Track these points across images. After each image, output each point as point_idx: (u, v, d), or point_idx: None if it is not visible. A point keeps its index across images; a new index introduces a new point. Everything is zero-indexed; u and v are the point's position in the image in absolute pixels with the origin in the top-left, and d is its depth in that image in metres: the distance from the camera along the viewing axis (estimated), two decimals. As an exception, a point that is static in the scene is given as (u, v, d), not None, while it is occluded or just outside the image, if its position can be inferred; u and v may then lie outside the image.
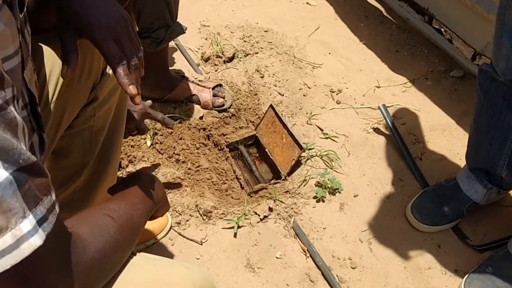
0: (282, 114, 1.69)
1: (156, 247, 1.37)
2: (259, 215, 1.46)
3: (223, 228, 1.44)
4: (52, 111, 0.90)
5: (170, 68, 1.80)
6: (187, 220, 1.44)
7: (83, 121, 0.99)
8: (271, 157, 1.62)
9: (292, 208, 1.49)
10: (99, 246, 0.64)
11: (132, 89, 0.78)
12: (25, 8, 0.69)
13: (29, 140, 0.71)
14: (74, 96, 0.92)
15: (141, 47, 0.87)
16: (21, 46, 0.63)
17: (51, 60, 0.86)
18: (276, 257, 1.38)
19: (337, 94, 1.86)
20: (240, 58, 1.97)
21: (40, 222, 0.50)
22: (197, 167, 1.60)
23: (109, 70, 0.96)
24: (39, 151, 0.78)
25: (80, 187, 1.09)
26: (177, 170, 1.58)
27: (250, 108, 1.79)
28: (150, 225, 1.37)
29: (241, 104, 1.79)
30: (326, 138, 1.70)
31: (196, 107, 1.76)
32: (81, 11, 0.76)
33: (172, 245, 1.39)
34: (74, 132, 1.00)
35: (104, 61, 0.92)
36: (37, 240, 0.49)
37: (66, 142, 1.01)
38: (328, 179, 1.55)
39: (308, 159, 1.62)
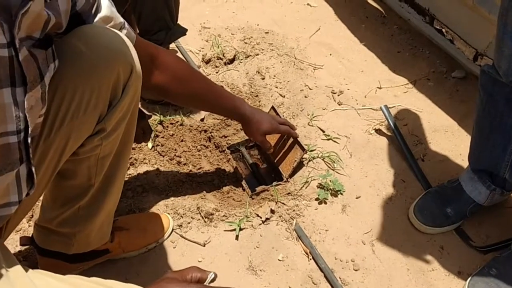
0: (283, 116, 1.68)
1: (158, 250, 1.37)
2: (261, 217, 1.45)
3: (225, 231, 1.43)
4: (56, 139, 0.90)
5: (171, 70, 1.80)
6: (189, 223, 1.43)
7: (90, 150, 0.99)
8: (272, 158, 1.62)
9: (294, 210, 1.48)
10: None
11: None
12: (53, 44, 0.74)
13: (6, 171, 0.71)
14: (79, 127, 0.92)
15: None
16: (19, 64, 0.65)
17: (62, 91, 0.86)
18: (278, 260, 1.38)
19: (338, 95, 1.86)
20: (241, 59, 1.97)
21: None
22: (199, 169, 1.60)
23: (118, 102, 0.95)
24: (26, 184, 0.78)
25: (85, 205, 1.09)
26: (178, 172, 1.57)
27: (251, 110, 1.78)
28: (152, 227, 1.37)
29: (242, 105, 1.78)
30: (328, 139, 1.70)
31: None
32: (262, 120, 1.43)
33: (174, 247, 1.38)
34: (80, 159, 1.00)
35: (112, 93, 0.92)
36: None
37: (72, 165, 1.01)
38: (330, 181, 1.54)
39: (309, 160, 1.62)
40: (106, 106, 0.93)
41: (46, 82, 0.74)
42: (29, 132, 0.73)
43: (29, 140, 0.74)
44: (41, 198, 1.14)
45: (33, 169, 0.77)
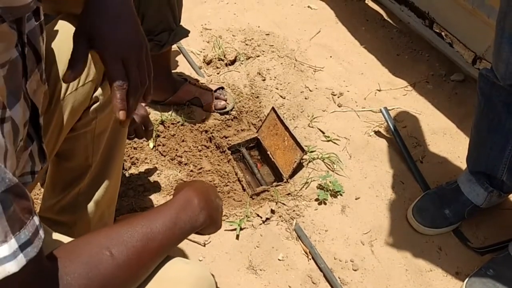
0: (283, 117, 1.69)
1: (159, 249, 1.38)
2: (261, 217, 1.47)
3: (225, 230, 1.44)
4: (55, 113, 0.92)
5: (172, 71, 1.81)
6: (190, 222, 1.45)
7: (85, 124, 1.00)
8: (273, 159, 1.63)
9: (294, 211, 1.50)
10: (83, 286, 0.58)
11: (121, 115, 0.77)
12: (41, 18, 0.69)
13: (23, 151, 0.71)
14: (76, 98, 0.94)
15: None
16: (24, 57, 0.63)
17: (64, 61, 0.87)
18: (278, 259, 1.39)
19: (338, 97, 1.87)
20: (242, 61, 1.98)
21: (23, 246, 0.48)
22: (199, 169, 1.61)
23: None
24: (39, 160, 0.79)
25: (84, 189, 1.09)
26: (179, 172, 1.59)
27: (252, 111, 1.80)
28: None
29: (243, 106, 1.80)
30: (328, 140, 1.71)
31: (198, 109, 1.77)
32: (99, 24, 0.76)
33: (175, 247, 1.39)
34: (77, 135, 1.01)
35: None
36: (12, 267, 0.46)
37: (69, 144, 1.02)
38: (329, 182, 1.55)
39: (309, 161, 1.63)
40: (101, 77, 0.96)
41: (42, 63, 0.74)
42: (40, 112, 0.73)
43: (40, 121, 0.73)
44: (42, 189, 1.14)
45: (43, 145, 0.78)
